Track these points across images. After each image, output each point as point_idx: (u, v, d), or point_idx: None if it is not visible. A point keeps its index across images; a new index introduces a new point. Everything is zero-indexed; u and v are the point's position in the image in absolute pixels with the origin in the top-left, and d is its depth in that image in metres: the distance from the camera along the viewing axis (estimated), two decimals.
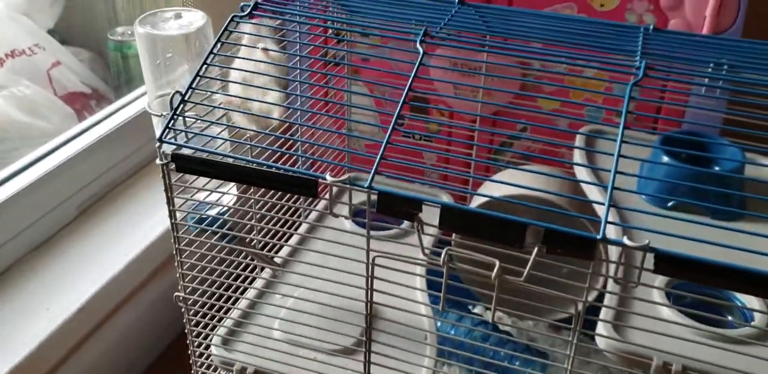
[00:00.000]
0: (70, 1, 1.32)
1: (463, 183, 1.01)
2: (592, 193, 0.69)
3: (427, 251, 0.58)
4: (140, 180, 0.98)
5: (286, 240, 0.82)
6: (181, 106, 0.58)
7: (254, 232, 0.74)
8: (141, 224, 0.90)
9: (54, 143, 0.93)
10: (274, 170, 0.56)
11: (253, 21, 0.67)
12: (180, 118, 0.58)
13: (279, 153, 0.66)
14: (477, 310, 0.91)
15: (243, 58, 0.64)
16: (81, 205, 0.92)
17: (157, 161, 0.57)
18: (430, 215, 0.52)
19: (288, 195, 0.78)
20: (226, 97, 0.63)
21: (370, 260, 0.58)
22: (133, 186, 0.97)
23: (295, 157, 0.83)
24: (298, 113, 0.82)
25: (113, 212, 0.93)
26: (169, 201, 0.60)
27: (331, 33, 0.85)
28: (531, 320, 0.81)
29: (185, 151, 0.58)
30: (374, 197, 0.53)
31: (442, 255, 0.53)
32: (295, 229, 0.83)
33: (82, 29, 1.34)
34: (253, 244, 0.72)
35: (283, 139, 0.77)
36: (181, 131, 0.58)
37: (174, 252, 0.64)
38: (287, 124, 0.77)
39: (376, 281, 0.59)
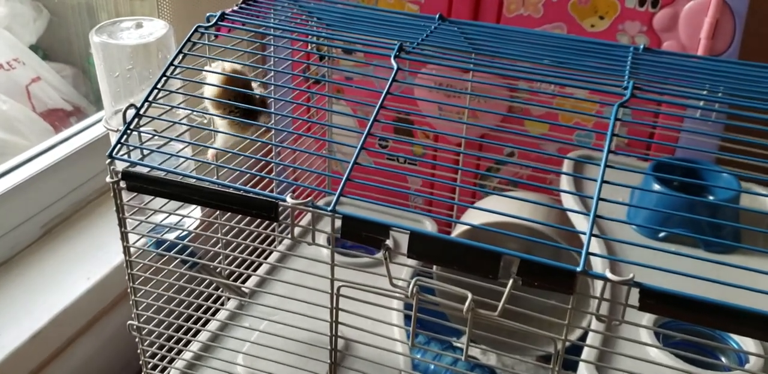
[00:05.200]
0: (54, 17, 1.29)
1: (448, 209, 0.97)
2: (578, 221, 0.65)
3: (400, 282, 0.53)
4: (108, 200, 0.94)
5: (255, 269, 0.77)
6: (136, 120, 0.54)
7: (219, 259, 0.69)
8: (106, 247, 0.85)
9: (19, 159, 0.88)
10: (233, 191, 0.52)
11: (225, 33, 0.63)
12: (134, 133, 0.54)
13: (253, 176, 0.62)
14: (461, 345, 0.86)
15: (209, 71, 0.60)
16: (46, 225, 0.88)
17: (107, 179, 0.53)
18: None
19: (258, 220, 0.73)
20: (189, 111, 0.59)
21: (335, 291, 0.54)
22: (100, 206, 0.93)
23: (270, 180, 0.79)
24: (273, 132, 0.78)
25: (78, 233, 0.88)
26: (121, 222, 0.56)
27: (311, 48, 0.81)
28: (510, 357, 0.77)
29: (140, 169, 0.54)
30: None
31: (410, 286, 0.49)
32: (266, 257, 0.78)
33: (66, 45, 1.31)
34: (218, 271, 0.68)
35: (262, 161, 0.73)
36: (135, 147, 0.54)
37: (126, 278, 0.59)
38: (261, 143, 0.73)
39: (347, 315, 0.55)
